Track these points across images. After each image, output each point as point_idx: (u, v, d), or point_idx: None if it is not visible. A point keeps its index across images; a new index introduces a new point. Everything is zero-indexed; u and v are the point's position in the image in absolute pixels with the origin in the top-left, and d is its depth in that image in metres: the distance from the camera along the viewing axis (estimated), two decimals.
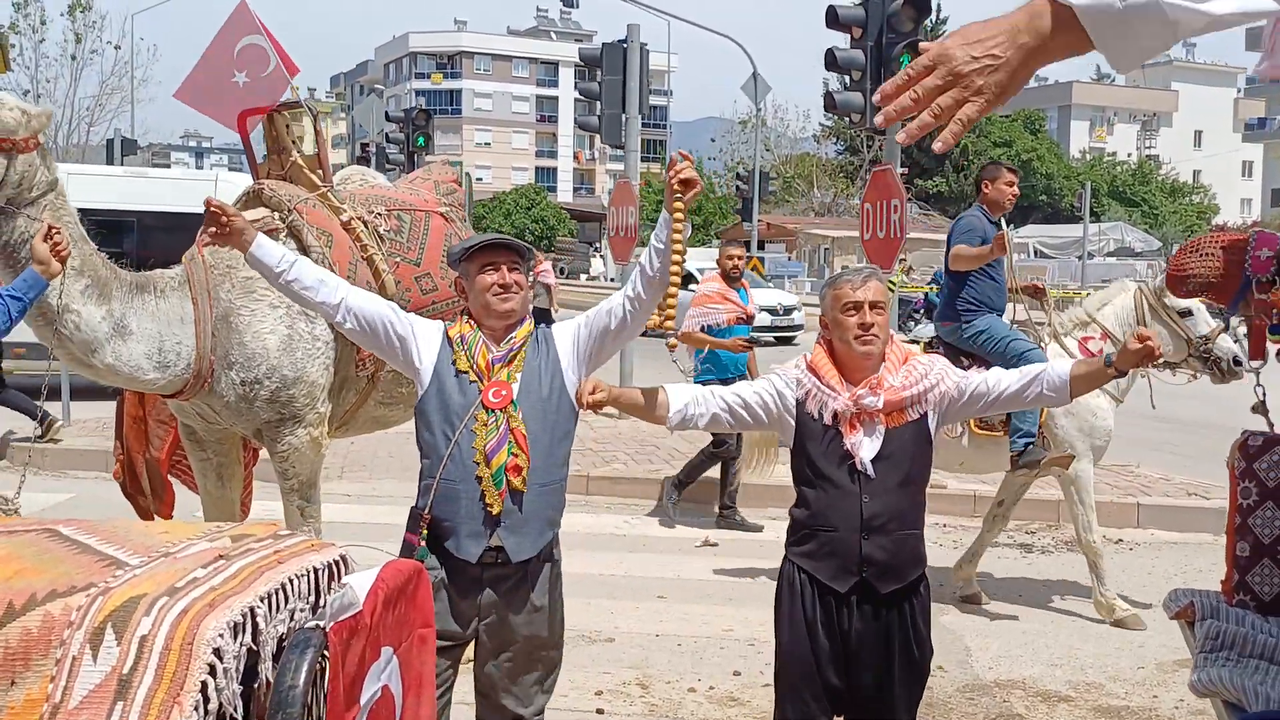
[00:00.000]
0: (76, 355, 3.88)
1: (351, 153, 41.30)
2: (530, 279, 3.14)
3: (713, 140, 59.02)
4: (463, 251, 3.08)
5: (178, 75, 4.85)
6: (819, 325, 3.12)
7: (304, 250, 4.33)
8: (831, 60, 9.06)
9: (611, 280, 12.39)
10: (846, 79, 9.24)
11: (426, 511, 2.90)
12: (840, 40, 9.36)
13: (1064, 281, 34.45)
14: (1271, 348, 3.37)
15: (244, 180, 5.30)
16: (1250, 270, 4.29)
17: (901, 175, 9.04)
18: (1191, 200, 59.94)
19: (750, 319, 7.28)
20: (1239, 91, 73.40)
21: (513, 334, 3.04)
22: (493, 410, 2.91)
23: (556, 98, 79.62)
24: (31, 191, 3.70)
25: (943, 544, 6.97)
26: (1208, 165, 66.71)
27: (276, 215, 4.40)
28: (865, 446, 2.93)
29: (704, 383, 6.59)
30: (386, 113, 18.08)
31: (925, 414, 2.99)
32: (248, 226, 3.04)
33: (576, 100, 12.32)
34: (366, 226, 4.59)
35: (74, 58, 26.52)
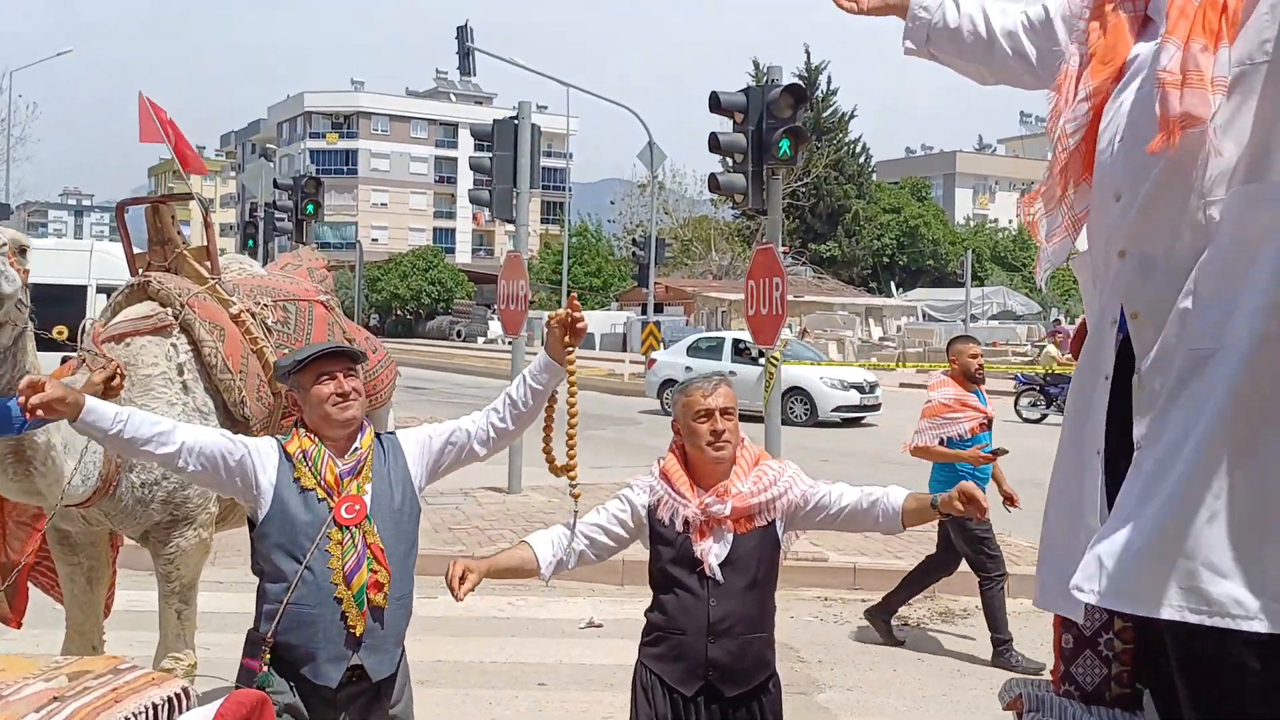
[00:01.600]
0: (38, 489, 3.61)
1: (240, 214, 40.62)
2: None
3: (613, 203, 59.77)
4: (294, 364, 2.99)
5: (57, 131, 4.86)
6: (671, 430, 3.19)
7: (196, 345, 4.29)
8: (715, 143, 9.34)
9: (509, 342, 12.27)
10: (730, 160, 9.54)
11: (270, 635, 2.81)
12: (723, 124, 9.66)
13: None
14: None
15: (120, 250, 5.23)
16: None
17: (786, 252, 9.33)
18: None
19: (991, 423, 6.44)
20: None
21: (357, 444, 2.98)
22: (346, 527, 2.84)
23: (455, 159, 79.79)
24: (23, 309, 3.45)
25: (824, 618, 7.10)
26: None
27: (169, 310, 4.34)
28: (714, 552, 3.01)
29: None
30: (275, 180, 17.85)
31: (774, 520, 3.08)
32: (78, 395, 2.78)
33: (471, 167, 12.45)
34: (254, 318, 4.57)
35: None
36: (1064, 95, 2.21)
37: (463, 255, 77.79)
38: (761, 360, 19.08)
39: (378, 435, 3.07)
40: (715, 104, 9.26)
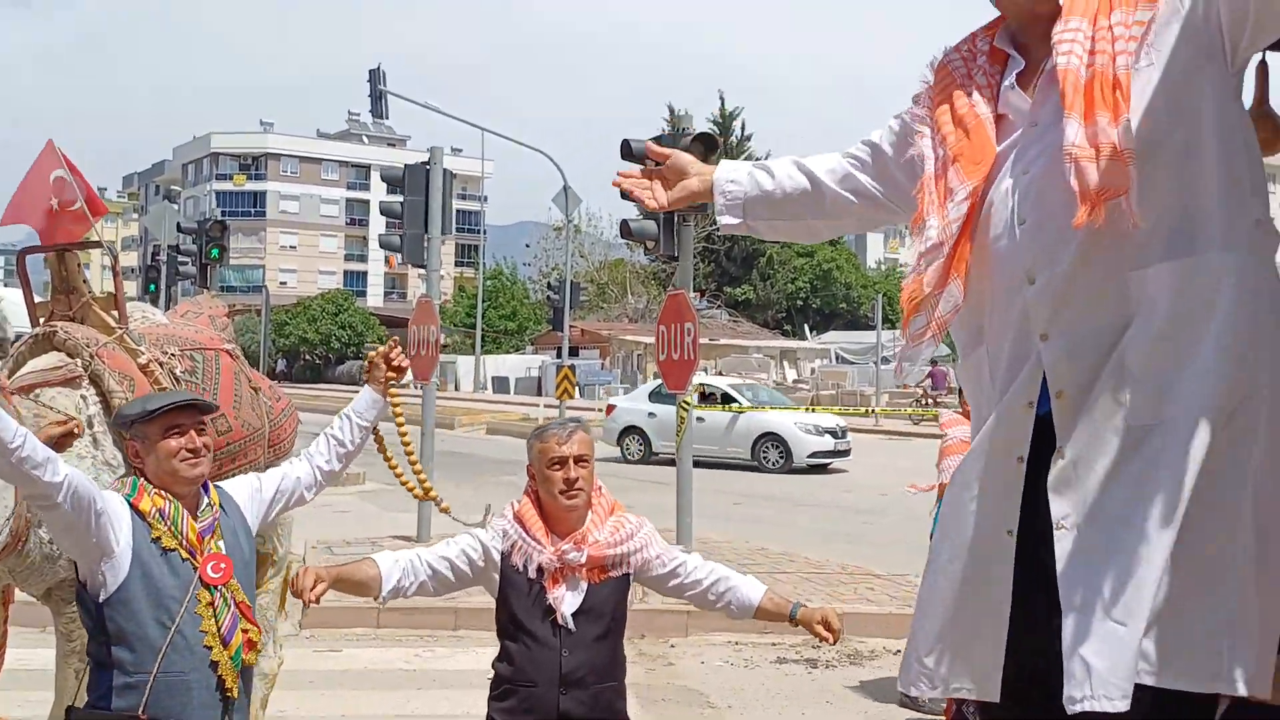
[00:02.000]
0: None
1: (142, 258, 39.67)
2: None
3: (528, 245, 59.76)
4: (143, 414, 2.87)
5: None
6: (526, 474, 3.19)
7: (105, 396, 4.17)
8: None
9: (419, 388, 11.57)
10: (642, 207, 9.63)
11: (142, 711, 2.68)
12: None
13: (862, 386, 36.15)
14: None
15: (15, 296, 5.11)
16: None
17: (701, 294, 9.43)
18: None
19: None
20: None
21: (208, 500, 2.91)
22: (215, 587, 2.77)
23: (367, 201, 79.21)
24: None
25: (734, 662, 7.11)
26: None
27: (77, 361, 4.21)
28: (567, 601, 2.99)
29: None
30: (179, 223, 17.46)
31: (628, 573, 3.10)
32: None
33: (381, 211, 12.43)
34: (163, 368, 4.46)
35: None
36: (927, 199, 2.18)
37: (374, 298, 76.97)
38: (736, 404, 18.17)
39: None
40: (626, 152, 9.32)
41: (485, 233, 64.98)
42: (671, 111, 49.60)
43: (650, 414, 19.00)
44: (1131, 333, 1.92)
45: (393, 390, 3.14)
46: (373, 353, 3.19)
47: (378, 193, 76.22)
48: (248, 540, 2.94)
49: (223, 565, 2.78)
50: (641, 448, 19.07)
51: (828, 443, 18.38)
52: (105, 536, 2.72)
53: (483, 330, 47.01)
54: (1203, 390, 1.85)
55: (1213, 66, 1.92)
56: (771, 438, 18.29)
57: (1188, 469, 1.83)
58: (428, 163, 11.62)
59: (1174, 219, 1.92)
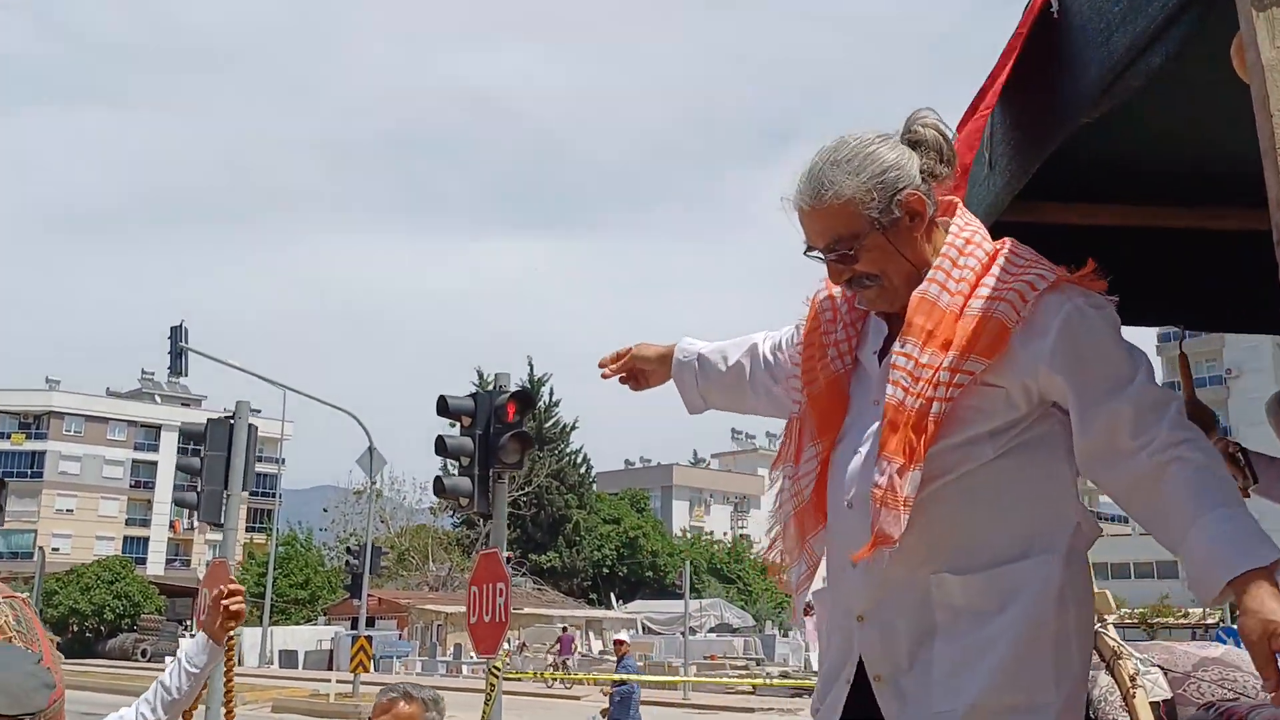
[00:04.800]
0: None
1: None
2: None
3: (325, 510, 57.51)
4: None
5: None
6: None
7: None
8: (441, 446, 9.34)
9: None
10: (459, 464, 9.54)
11: None
12: (443, 426, 9.73)
13: (669, 658, 35.43)
14: None
15: None
16: None
17: (509, 559, 9.25)
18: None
19: None
20: None
21: None
22: None
23: (155, 462, 75.42)
24: None
25: None
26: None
27: None
28: None
29: None
30: None
31: None
32: None
33: (179, 467, 11.90)
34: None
35: None
36: (790, 443, 2.26)
37: (155, 566, 71.85)
38: None
39: None
40: (443, 408, 9.34)
41: (281, 497, 62.49)
42: (480, 375, 50.05)
43: None
44: (939, 630, 2.00)
45: (233, 641, 3.00)
46: (215, 592, 2.97)
47: (168, 453, 72.77)
48: None
49: None
50: None
51: None
52: None
53: (272, 600, 44.28)
54: (984, 688, 1.93)
55: (1045, 419, 2.02)
56: None
57: None
58: (232, 417, 11.27)
59: (977, 532, 2.01)
